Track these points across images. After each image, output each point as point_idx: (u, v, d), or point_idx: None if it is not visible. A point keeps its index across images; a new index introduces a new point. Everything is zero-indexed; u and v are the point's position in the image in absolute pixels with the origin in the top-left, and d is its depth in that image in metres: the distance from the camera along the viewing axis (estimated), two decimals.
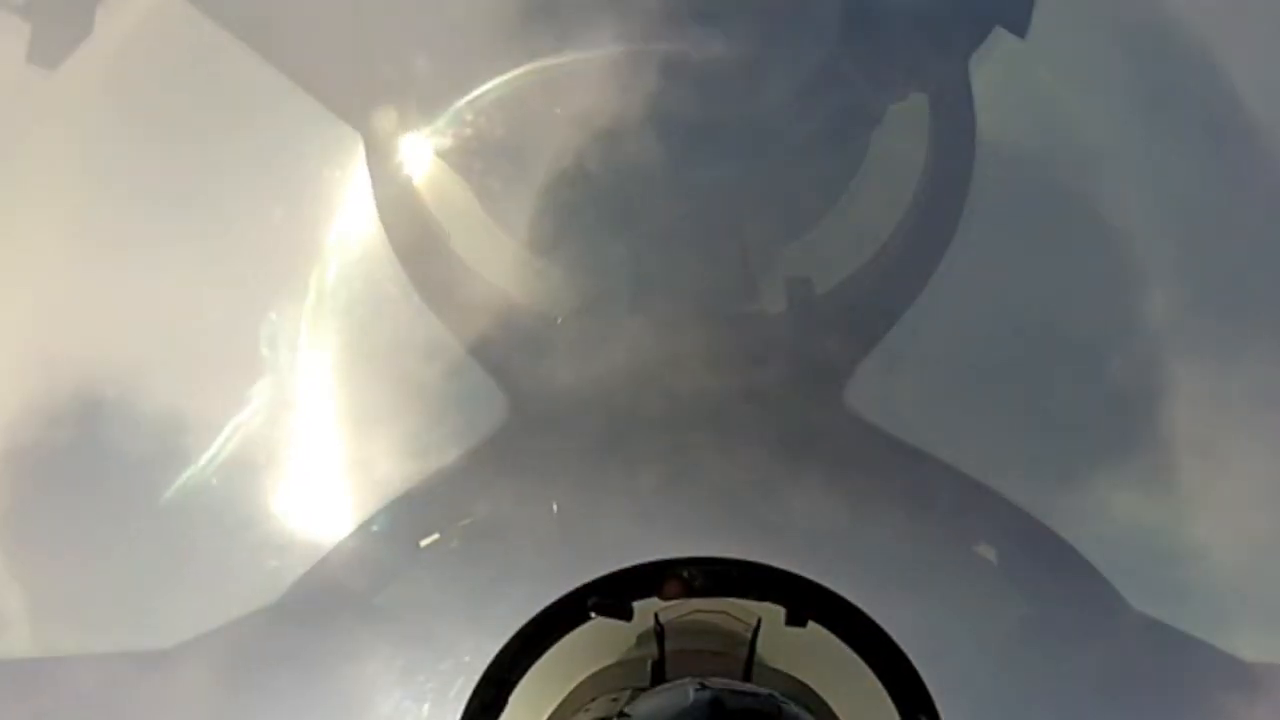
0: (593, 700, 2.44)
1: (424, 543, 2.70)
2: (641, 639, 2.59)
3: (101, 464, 2.55)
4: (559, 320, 2.71)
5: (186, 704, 2.37)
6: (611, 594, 2.57)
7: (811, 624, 2.50)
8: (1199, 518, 2.55)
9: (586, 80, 2.52)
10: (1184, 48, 2.62)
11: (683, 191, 2.64)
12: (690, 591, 2.59)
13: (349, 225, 2.76)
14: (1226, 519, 2.56)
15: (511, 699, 2.52)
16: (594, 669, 2.61)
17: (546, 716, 2.53)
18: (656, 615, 2.62)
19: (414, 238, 2.77)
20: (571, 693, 2.58)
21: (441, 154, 2.82)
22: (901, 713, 2.37)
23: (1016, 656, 2.44)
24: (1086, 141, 2.79)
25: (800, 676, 2.58)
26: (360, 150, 2.74)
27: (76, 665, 2.41)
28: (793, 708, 1.82)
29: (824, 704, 2.53)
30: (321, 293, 2.73)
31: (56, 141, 2.60)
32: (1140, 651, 2.54)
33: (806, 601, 2.50)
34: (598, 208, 2.75)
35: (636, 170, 2.58)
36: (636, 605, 2.57)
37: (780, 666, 2.60)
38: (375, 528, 2.71)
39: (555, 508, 2.74)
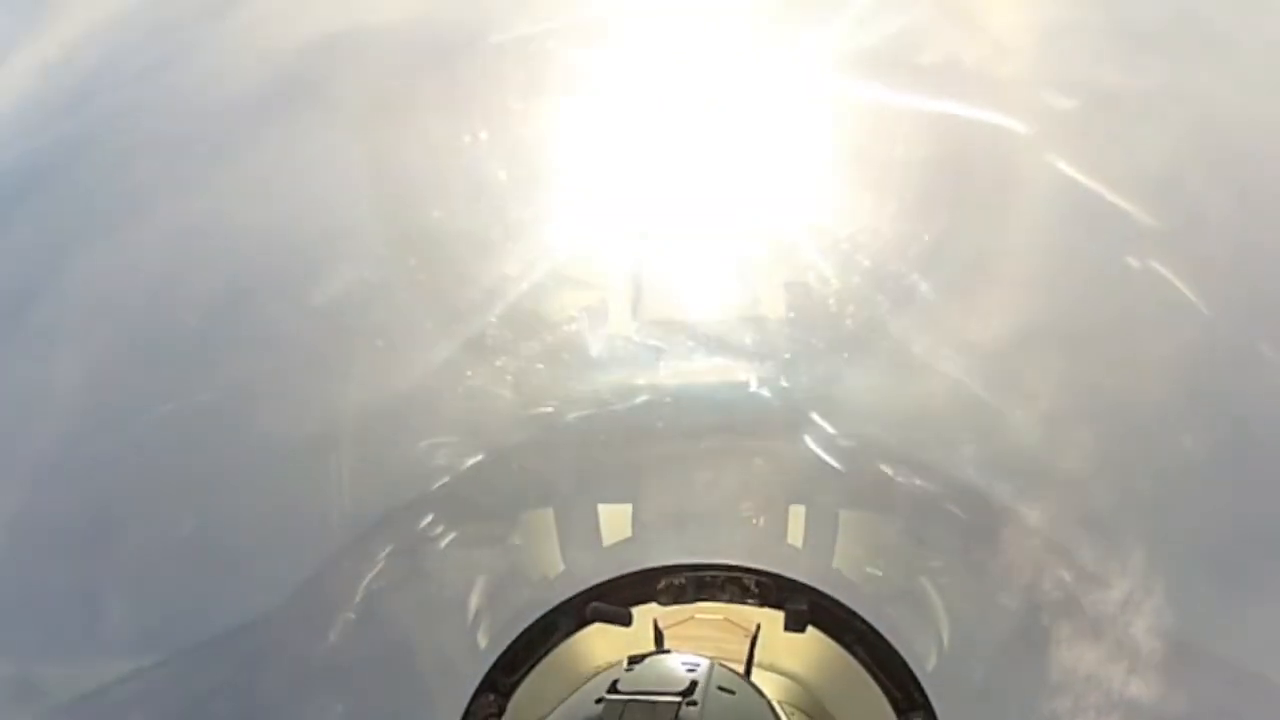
0: None
1: (425, 549, 2.69)
2: (642, 644, 2.59)
3: None
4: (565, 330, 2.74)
5: None
6: (611, 599, 2.58)
7: (810, 629, 2.51)
8: None
9: None
10: None
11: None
12: (689, 597, 2.61)
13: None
14: None
15: (510, 704, 2.51)
16: (593, 674, 2.61)
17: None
18: (656, 620, 2.63)
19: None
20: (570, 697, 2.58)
21: None
22: (898, 715, 2.39)
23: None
24: None
25: (799, 681, 2.60)
26: None
27: None
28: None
29: (822, 708, 2.55)
30: None
31: None
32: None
33: (804, 606, 2.52)
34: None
35: None
36: (636, 610, 2.59)
37: (779, 671, 2.62)
38: (374, 535, 2.70)
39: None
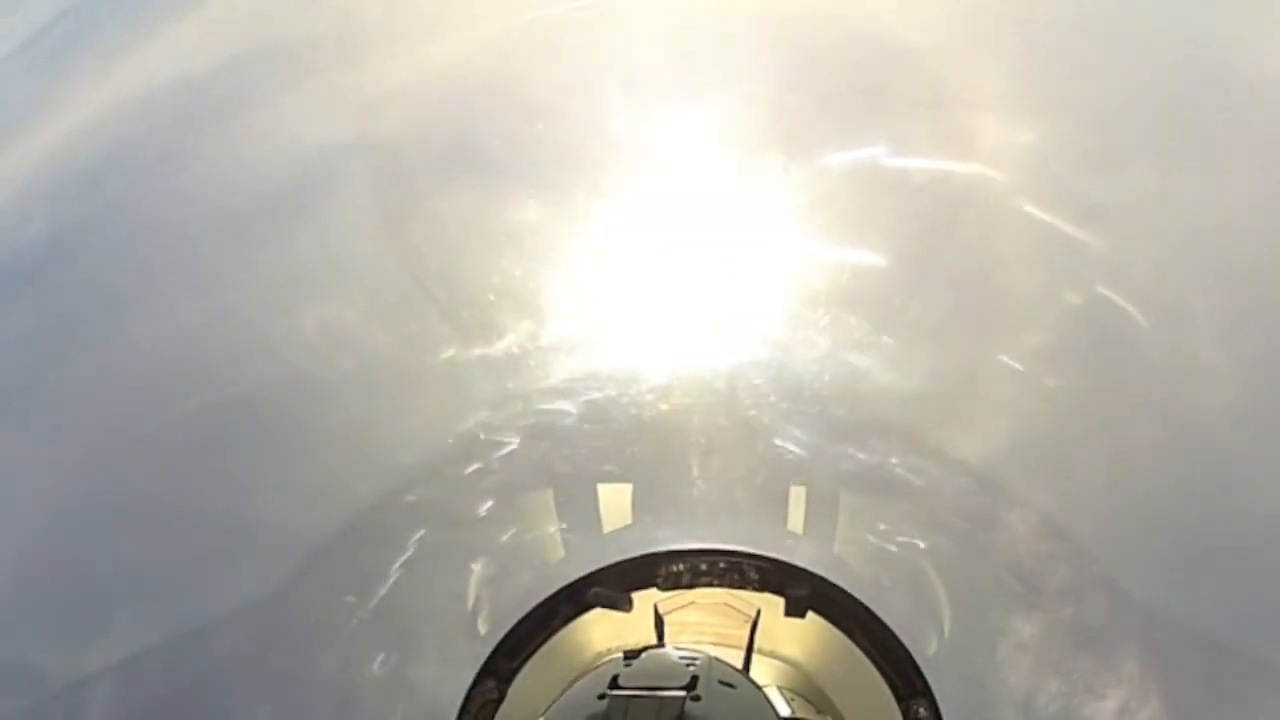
0: None
1: (425, 535, 2.69)
2: (641, 630, 2.59)
3: None
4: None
5: None
6: (612, 584, 2.58)
7: (811, 614, 2.51)
8: None
9: None
10: None
11: None
12: (689, 582, 2.60)
13: None
14: None
15: (511, 690, 2.52)
16: (594, 660, 2.61)
17: (546, 708, 2.53)
18: (656, 606, 2.63)
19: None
20: (571, 683, 2.58)
21: None
22: (899, 702, 2.39)
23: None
24: None
25: (799, 666, 2.60)
26: None
27: None
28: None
29: (823, 693, 2.55)
30: None
31: None
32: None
33: (805, 592, 2.52)
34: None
35: None
36: (636, 596, 2.59)
37: (780, 656, 2.62)
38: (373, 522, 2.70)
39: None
